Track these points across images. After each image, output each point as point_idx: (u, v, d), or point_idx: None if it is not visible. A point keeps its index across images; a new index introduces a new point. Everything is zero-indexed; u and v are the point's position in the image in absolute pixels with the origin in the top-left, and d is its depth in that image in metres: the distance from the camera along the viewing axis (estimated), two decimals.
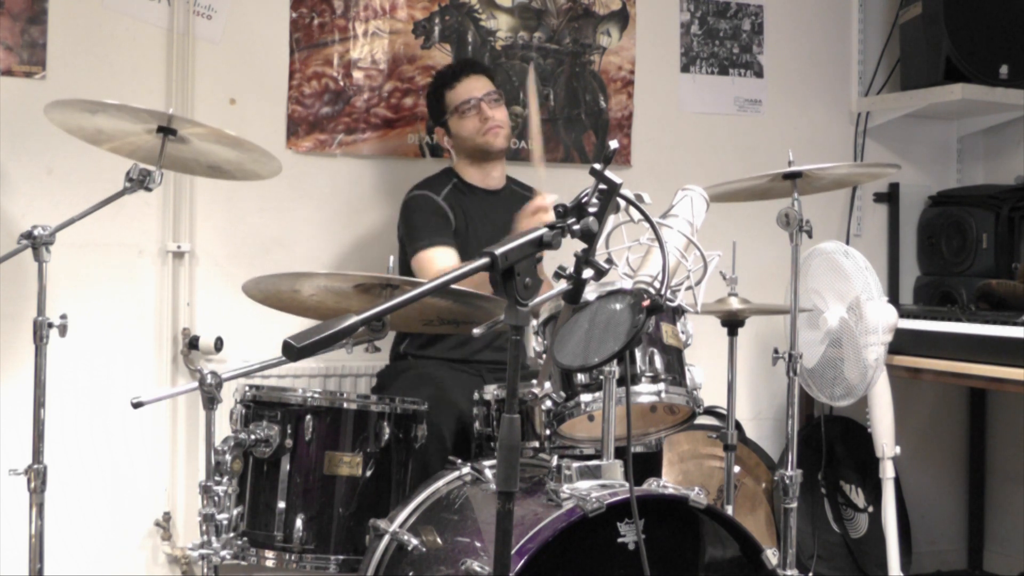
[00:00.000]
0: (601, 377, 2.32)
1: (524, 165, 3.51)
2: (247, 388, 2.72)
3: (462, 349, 3.26)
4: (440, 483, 2.56)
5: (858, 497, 3.97)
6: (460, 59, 3.55)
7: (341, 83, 3.51)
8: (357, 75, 3.53)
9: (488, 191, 3.34)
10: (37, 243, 2.55)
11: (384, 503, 2.69)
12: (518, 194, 3.40)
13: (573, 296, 1.73)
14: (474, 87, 3.29)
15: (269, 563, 2.65)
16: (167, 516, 3.33)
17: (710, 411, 3.65)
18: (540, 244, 1.61)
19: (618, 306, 1.87)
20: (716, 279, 2.69)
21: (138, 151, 2.70)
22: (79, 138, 2.74)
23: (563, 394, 2.44)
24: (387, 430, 2.71)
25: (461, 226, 3.27)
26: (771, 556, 2.27)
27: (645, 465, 2.63)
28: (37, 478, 2.61)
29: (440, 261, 3.14)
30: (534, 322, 2.53)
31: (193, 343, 3.31)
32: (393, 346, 3.36)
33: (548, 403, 2.46)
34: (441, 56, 3.61)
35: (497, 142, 3.29)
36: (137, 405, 2.49)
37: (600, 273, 1.70)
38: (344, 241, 3.55)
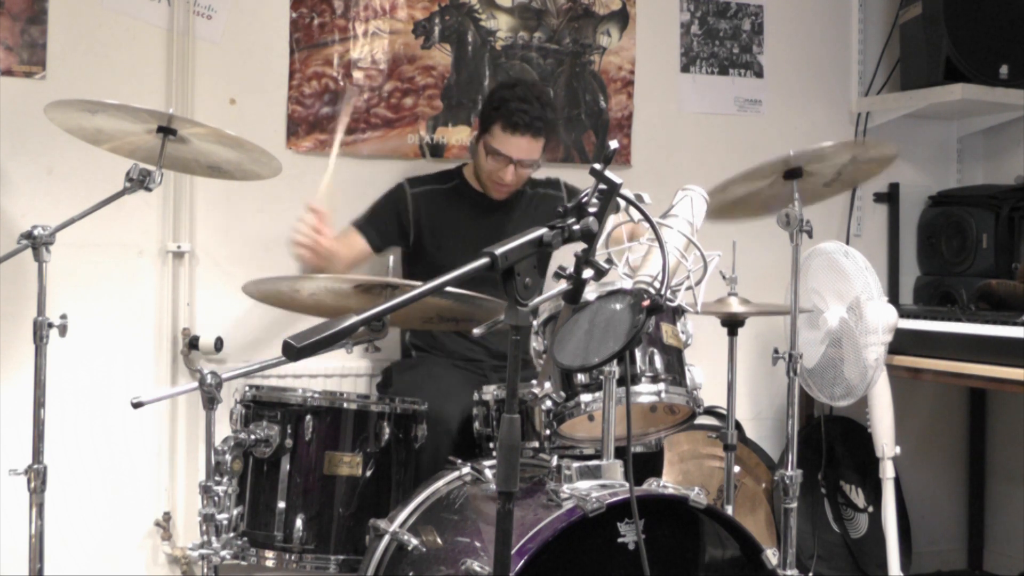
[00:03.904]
0: (601, 377, 2.32)
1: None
2: (247, 388, 2.72)
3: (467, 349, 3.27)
4: (440, 483, 2.56)
5: (858, 497, 3.97)
6: (535, 107, 3.12)
7: (341, 83, 3.50)
8: (357, 75, 3.52)
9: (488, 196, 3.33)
10: (37, 243, 2.55)
11: (384, 503, 2.70)
12: (529, 195, 3.37)
13: (573, 296, 1.73)
14: (521, 149, 3.12)
15: (269, 563, 2.66)
16: (167, 516, 3.32)
17: (710, 411, 3.65)
18: (540, 244, 1.61)
19: (618, 306, 1.88)
20: (716, 279, 2.69)
21: (138, 151, 2.70)
22: (79, 138, 2.74)
23: (563, 394, 2.44)
24: (387, 430, 2.71)
25: (425, 228, 3.29)
26: (771, 556, 2.27)
27: (646, 465, 2.63)
28: (37, 478, 2.61)
29: (347, 237, 3.26)
30: (534, 323, 2.53)
31: (193, 343, 3.31)
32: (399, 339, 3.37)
33: (548, 403, 2.46)
34: (441, 56, 3.61)
35: (497, 196, 3.28)
36: (137, 405, 2.50)
37: (600, 273, 1.70)
38: None
